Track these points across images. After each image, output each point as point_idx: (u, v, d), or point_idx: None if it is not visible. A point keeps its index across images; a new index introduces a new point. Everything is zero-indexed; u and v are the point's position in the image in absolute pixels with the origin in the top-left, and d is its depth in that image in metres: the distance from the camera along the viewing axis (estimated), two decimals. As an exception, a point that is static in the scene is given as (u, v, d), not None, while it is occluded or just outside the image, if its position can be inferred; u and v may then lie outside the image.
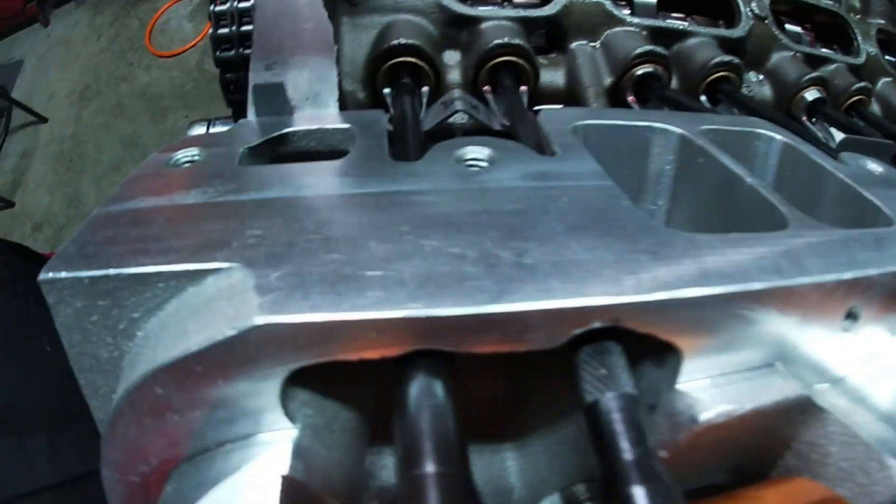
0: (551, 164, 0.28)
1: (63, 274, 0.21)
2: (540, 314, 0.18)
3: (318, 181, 0.27)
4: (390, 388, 0.27)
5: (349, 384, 0.24)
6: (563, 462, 0.34)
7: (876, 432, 0.21)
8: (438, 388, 0.18)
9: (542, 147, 0.31)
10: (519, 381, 0.34)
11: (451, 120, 0.50)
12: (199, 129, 0.64)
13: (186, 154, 0.31)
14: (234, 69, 0.54)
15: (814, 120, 0.60)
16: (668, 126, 0.36)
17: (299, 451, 0.20)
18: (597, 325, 0.19)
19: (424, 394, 0.18)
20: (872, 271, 0.23)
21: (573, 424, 0.32)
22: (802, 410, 0.23)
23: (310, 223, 0.23)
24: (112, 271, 0.21)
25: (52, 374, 0.64)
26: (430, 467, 0.16)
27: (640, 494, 0.16)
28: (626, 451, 0.17)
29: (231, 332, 0.18)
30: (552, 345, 0.18)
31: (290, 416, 0.20)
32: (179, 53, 2.53)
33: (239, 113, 0.59)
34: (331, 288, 0.19)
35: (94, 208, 0.28)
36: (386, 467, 0.36)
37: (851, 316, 0.24)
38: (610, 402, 0.18)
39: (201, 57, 2.50)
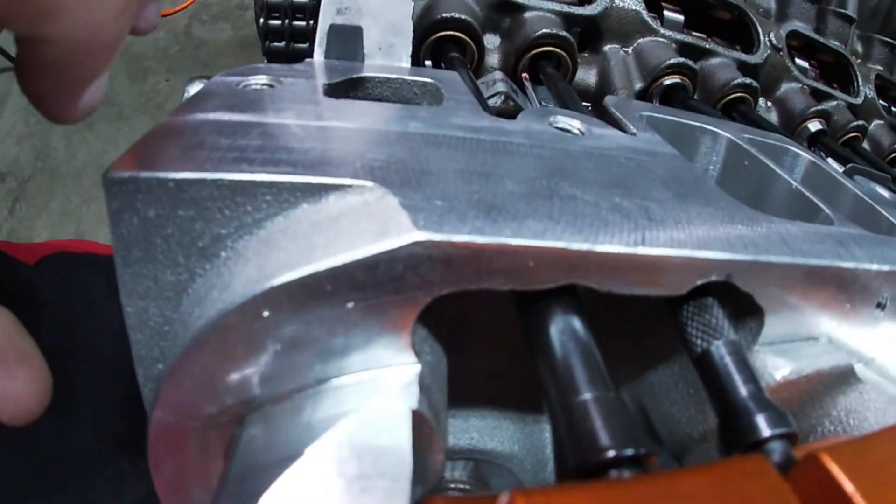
0: (636, 142, 0.30)
1: (142, 174, 0.18)
2: (678, 261, 0.20)
3: (425, 121, 0.26)
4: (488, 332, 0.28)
5: (445, 328, 0.23)
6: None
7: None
8: (579, 323, 0.20)
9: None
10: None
11: (489, 102, 0.52)
12: (199, 85, 0.63)
13: (258, 80, 0.29)
14: (280, 17, 0.54)
15: (813, 149, 0.65)
16: (719, 130, 0.39)
17: (423, 388, 0.19)
18: (714, 277, 0.21)
19: (571, 328, 0.19)
20: None
21: (622, 395, 0.33)
22: (843, 381, 0.26)
23: (434, 156, 0.23)
24: (210, 175, 0.18)
25: (86, 422, 0.55)
26: (589, 393, 0.17)
27: (761, 421, 0.18)
28: (742, 387, 0.19)
29: (385, 247, 0.17)
30: (677, 292, 0.21)
31: (417, 351, 0.20)
32: (168, 14, 2.42)
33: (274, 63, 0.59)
34: (486, 214, 0.19)
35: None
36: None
37: (880, 305, 0.28)
38: (721, 348, 0.21)
39: (190, 21, 2.41)
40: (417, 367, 0.20)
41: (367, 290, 0.18)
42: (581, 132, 0.30)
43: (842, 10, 0.72)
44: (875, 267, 0.26)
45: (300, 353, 0.18)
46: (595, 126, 0.31)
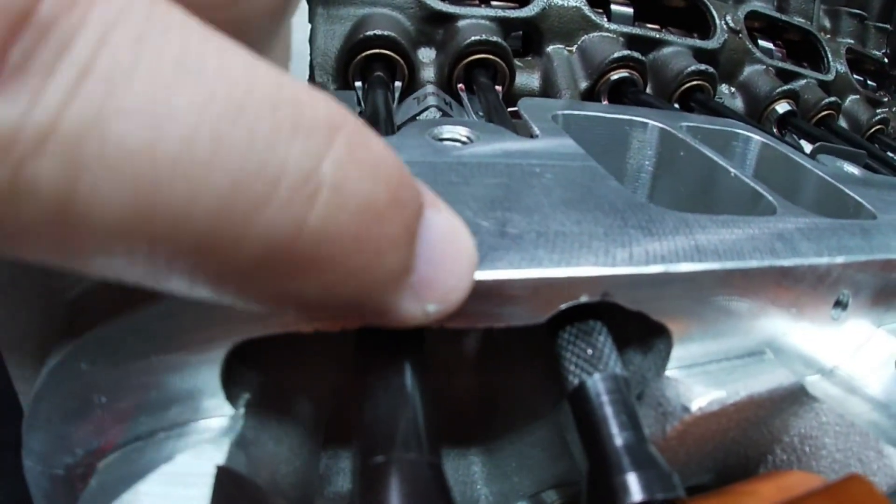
0: (533, 144, 0.26)
1: None
2: (524, 284, 0.16)
3: None
4: (351, 373, 0.25)
5: (305, 369, 0.22)
6: (533, 467, 0.33)
7: (872, 420, 0.20)
8: (406, 368, 0.16)
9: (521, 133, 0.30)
10: (489, 380, 0.32)
11: (421, 117, 0.49)
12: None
13: None
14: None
15: (784, 132, 0.60)
16: (649, 120, 0.35)
17: (242, 441, 0.18)
18: (584, 299, 0.17)
19: (391, 374, 0.16)
20: (862, 257, 0.23)
21: (546, 426, 0.30)
22: (794, 401, 0.22)
23: None
24: None
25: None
26: (392, 454, 0.14)
27: (633, 482, 0.14)
28: (617, 435, 0.15)
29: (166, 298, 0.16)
30: (535, 321, 0.17)
31: (234, 401, 0.18)
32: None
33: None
34: None
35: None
36: (343, 471, 0.34)
37: (840, 304, 0.23)
38: (597, 383, 0.17)
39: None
40: (236, 420, 0.18)
41: (164, 340, 0.17)
42: (469, 141, 0.26)
43: (804, -15, 0.68)
44: (825, 261, 0.22)
45: (124, 404, 0.18)
46: (488, 133, 0.27)
